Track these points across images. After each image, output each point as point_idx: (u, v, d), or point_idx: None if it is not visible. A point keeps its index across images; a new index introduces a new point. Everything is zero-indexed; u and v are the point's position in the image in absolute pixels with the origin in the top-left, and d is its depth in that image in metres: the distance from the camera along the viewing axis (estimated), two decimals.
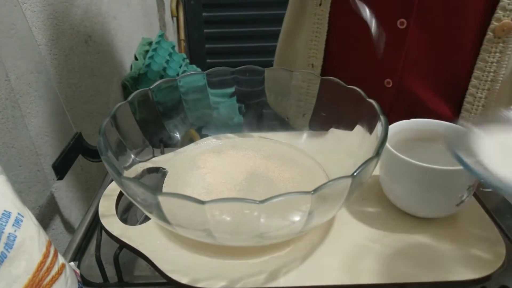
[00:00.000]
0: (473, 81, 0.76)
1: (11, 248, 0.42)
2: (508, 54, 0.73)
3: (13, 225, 0.43)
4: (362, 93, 0.61)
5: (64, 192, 0.90)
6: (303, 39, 0.87)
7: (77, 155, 0.81)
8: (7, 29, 0.71)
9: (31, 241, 0.45)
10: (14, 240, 0.43)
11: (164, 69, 1.65)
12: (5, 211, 0.43)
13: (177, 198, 0.43)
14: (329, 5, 0.81)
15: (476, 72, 0.75)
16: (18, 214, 0.45)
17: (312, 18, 0.84)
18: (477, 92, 0.76)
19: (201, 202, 0.42)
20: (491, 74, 0.74)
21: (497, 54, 0.73)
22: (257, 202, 0.42)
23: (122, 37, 1.44)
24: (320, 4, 0.82)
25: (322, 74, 0.83)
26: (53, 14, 0.91)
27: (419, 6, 0.72)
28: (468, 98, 0.77)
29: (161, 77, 1.61)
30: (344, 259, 0.54)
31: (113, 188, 0.66)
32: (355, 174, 0.45)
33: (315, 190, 0.43)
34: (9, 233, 0.42)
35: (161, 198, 0.44)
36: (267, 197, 0.43)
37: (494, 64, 0.73)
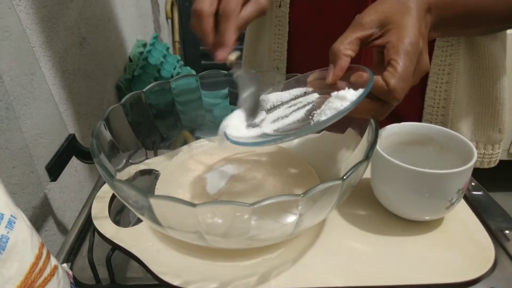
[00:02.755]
0: (430, 85, 0.77)
1: (3, 250, 0.42)
2: (458, 57, 0.74)
3: (6, 226, 0.43)
4: None
5: (57, 193, 0.90)
6: (266, 43, 0.88)
7: (70, 157, 0.81)
8: (1, 31, 0.71)
9: (23, 242, 0.45)
10: (7, 241, 0.43)
11: (159, 71, 1.65)
12: None
13: (168, 200, 0.44)
14: (288, 6, 0.82)
15: (432, 76, 0.76)
16: (11, 216, 0.45)
17: (274, 20, 0.85)
18: (435, 94, 0.77)
19: (192, 205, 0.43)
20: (446, 76, 0.75)
21: (448, 57, 0.74)
22: (248, 205, 0.43)
23: (117, 39, 1.44)
24: (279, 6, 0.83)
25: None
26: (47, 16, 0.91)
27: (374, 1, 0.73)
28: (428, 101, 0.78)
29: (156, 78, 1.61)
30: (335, 262, 0.54)
31: (106, 190, 0.66)
32: (345, 177, 0.46)
33: (305, 193, 0.44)
34: (1, 235, 0.43)
35: (152, 201, 0.45)
36: (258, 199, 0.43)
37: (447, 66, 0.75)
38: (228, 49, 0.57)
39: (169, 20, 2.39)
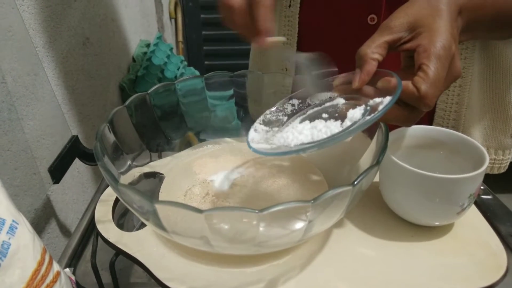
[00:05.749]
0: None
1: (5, 257, 0.41)
2: (473, 61, 0.73)
3: (7, 232, 0.42)
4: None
5: (60, 195, 0.89)
6: None
7: (73, 158, 0.80)
8: (4, 32, 0.70)
9: (25, 249, 0.44)
10: (8, 248, 0.42)
11: (162, 71, 1.64)
12: None
13: (174, 206, 0.43)
14: (299, 6, 0.80)
15: None
16: (13, 221, 0.44)
17: (283, 20, 0.83)
18: (447, 98, 0.76)
19: (199, 211, 0.41)
20: (459, 79, 0.74)
21: (463, 60, 0.73)
22: (256, 211, 0.41)
23: (120, 39, 1.44)
24: (289, 6, 0.81)
25: None
26: (51, 16, 0.90)
27: (388, 0, 0.72)
28: (440, 105, 0.77)
29: (159, 79, 1.60)
30: (343, 268, 0.53)
31: (109, 193, 0.65)
32: (355, 183, 0.44)
33: (315, 200, 0.42)
34: (3, 241, 0.42)
35: (158, 206, 0.44)
36: (266, 205, 0.42)
37: (461, 70, 0.73)
38: (268, 34, 0.56)
39: (173, 20, 2.38)
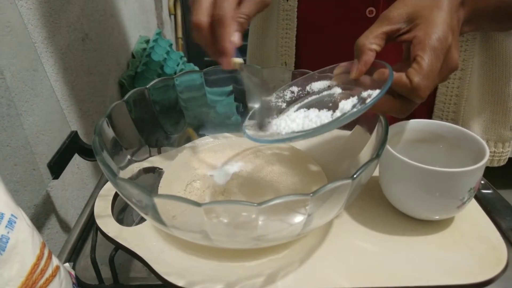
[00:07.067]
0: None
1: (3, 251, 0.41)
2: (473, 53, 0.72)
3: (6, 226, 0.42)
4: None
5: (60, 191, 0.89)
6: (273, 39, 0.86)
7: (73, 154, 0.80)
8: (2, 27, 0.69)
9: (24, 243, 0.44)
10: (7, 242, 0.42)
11: (162, 67, 1.64)
12: None
13: (173, 200, 0.42)
14: None
15: None
16: (12, 215, 0.44)
17: (281, 14, 0.82)
18: (447, 90, 0.76)
19: (198, 205, 0.41)
20: (459, 72, 0.74)
21: (463, 53, 0.73)
22: (255, 204, 0.41)
23: (119, 35, 1.43)
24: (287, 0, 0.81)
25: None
26: (49, 11, 0.90)
27: None
28: (440, 97, 0.77)
29: (159, 75, 1.59)
30: (343, 262, 0.53)
31: (108, 188, 0.65)
32: (355, 176, 0.44)
33: (314, 193, 0.42)
34: (1, 235, 0.41)
35: (156, 200, 0.43)
36: (265, 199, 0.42)
37: (460, 63, 0.73)
38: (228, 55, 0.55)
39: (172, 16, 2.37)
